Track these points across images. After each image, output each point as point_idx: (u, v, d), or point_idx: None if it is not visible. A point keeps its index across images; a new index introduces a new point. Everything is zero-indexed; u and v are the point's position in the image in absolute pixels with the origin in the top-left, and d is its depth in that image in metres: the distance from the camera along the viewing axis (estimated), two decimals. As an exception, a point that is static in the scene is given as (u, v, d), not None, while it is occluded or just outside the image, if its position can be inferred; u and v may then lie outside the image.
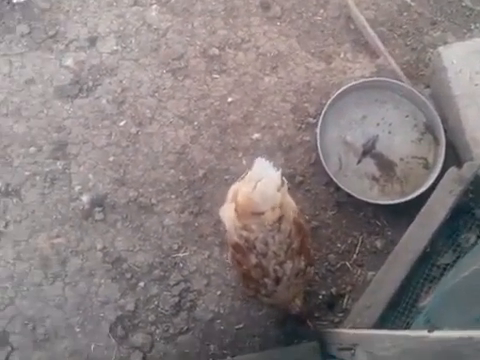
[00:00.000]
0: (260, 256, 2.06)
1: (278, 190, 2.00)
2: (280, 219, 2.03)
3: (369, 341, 1.74)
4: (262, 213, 1.99)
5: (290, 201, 2.21)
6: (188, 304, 2.69)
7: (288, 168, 2.93)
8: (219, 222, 2.62)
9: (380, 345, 1.55)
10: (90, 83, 3.16)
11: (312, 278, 2.47)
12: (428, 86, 3.12)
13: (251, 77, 3.20)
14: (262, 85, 3.17)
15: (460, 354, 1.09)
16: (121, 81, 3.17)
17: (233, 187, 2.20)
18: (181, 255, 2.77)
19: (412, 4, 3.46)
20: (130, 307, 2.68)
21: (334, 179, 2.82)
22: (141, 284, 2.72)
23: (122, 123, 3.06)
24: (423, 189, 2.74)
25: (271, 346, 2.59)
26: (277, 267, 2.09)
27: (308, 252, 2.24)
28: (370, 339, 1.75)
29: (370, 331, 2.21)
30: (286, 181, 2.07)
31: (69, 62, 3.23)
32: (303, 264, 2.17)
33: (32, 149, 2.99)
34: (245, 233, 2.06)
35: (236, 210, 2.06)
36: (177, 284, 2.71)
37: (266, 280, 2.12)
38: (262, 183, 1.96)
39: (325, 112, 2.94)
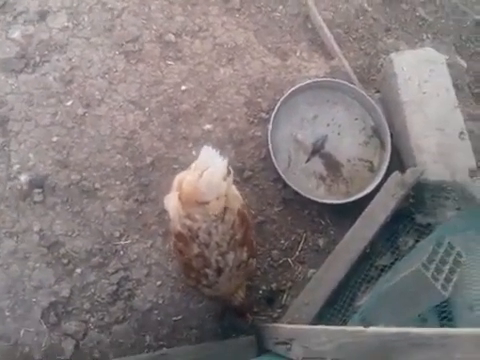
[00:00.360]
0: (203, 246, 2.04)
1: (224, 179, 1.97)
2: (224, 209, 2.01)
3: (306, 336, 1.75)
4: (207, 202, 1.96)
5: (235, 192, 2.20)
6: (126, 293, 2.63)
7: (238, 162, 2.92)
8: (164, 212, 2.57)
9: (316, 340, 1.57)
10: (37, 58, 3.02)
11: (254, 270, 2.47)
12: (378, 91, 3.20)
13: (206, 67, 3.16)
14: (217, 76, 3.14)
15: (395, 348, 1.12)
16: (70, 59, 3.04)
17: (179, 176, 2.16)
18: (122, 243, 2.70)
19: (369, 9, 3.54)
20: (65, 293, 2.59)
21: (282, 176, 2.83)
22: (78, 270, 2.63)
23: (69, 103, 2.95)
24: (367, 191, 2.80)
25: (208, 339, 2.58)
26: (219, 258, 2.07)
27: (251, 244, 2.24)
28: (307, 334, 1.77)
29: (307, 326, 2.23)
30: (232, 170, 2.04)
31: (16, 35, 3.07)
32: (245, 256, 2.16)
33: (-31, 122, 2.83)
34: (188, 222, 2.03)
35: (180, 199, 2.03)
36: (116, 272, 2.64)
37: (207, 270, 2.09)
38: (208, 172, 1.93)
39: (278, 108, 2.95)
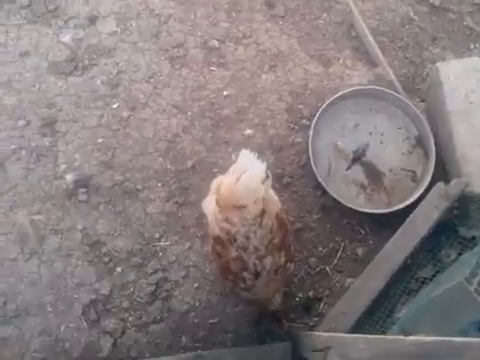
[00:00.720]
0: (240, 250, 2.05)
1: (262, 183, 1.97)
2: (262, 213, 2.01)
3: (343, 344, 1.74)
4: (244, 206, 1.97)
5: (273, 196, 2.20)
6: (164, 294, 2.66)
7: (277, 168, 2.93)
8: (202, 215, 2.57)
9: (354, 347, 1.55)
10: (86, 62, 3.12)
11: (292, 275, 2.46)
12: (423, 100, 3.15)
13: (249, 73, 3.19)
14: (259, 82, 3.16)
15: (435, 356, 1.10)
16: (118, 63, 3.13)
17: (217, 179, 2.18)
18: (162, 244, 2.75)
19: (415, 18, 3.49)
20: (105, 291, 2.64)
21: (322, 183, 2.81)
22: (118, 269, 2.69)
23: (115, 106, 3.02)
24: (409, 201, 2.75)
25: (243, 343, 2.58)
26: (257, 261, 2.07)
27: (289, 248, 2.24)
28: (344, 342, 1.76)
29: (345, 334, 2.21)
30: (270, 174, 2.03)
31: (66, 39, 3.18)
32: (283, 260, 2.16)
33: (21, 122, 2.93)
34: (226, 226, 2.04)
35: (218, 202, 2.04)
36: (155, 273, 2.68)
37: (245, 274, 2.10)
38: (246, 175, 1.93)
39: (319, 115, 2.94)
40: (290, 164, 2.96)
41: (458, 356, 1.03)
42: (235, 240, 2.05)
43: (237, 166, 2.02)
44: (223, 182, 2.04)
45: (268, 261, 2.09)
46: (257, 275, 2.11)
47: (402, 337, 1.29)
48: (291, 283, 2.67)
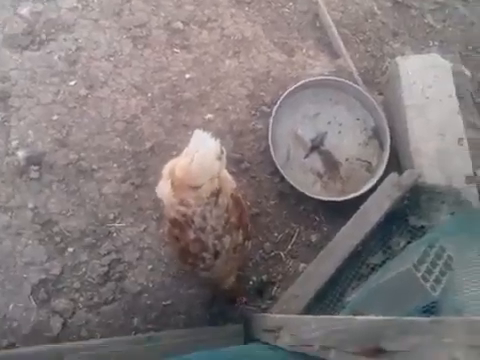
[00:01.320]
0: (198, 231, 2.04)
1: (217, 159, 1.95)
2: (218, 193, 2.00)
3: (295, 324, 1.76)
4: (200, 186, 1.96)
5: (228, 175, 2.21)
6: (117, 275, 2.62)
7: (236, 153, 2.93)
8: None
9: (305, 328, 1.57)
10: (43, 36, 3.02)
11: (250, 253, 2.47)
12: (381, 93, 3.21)
13: (212, 57, 3.17)
14: (222, 67, 3.15)
15: (384, 335, 1.13)
16: (77, 39, 3.04)
17: (169, 164, 2.16)
18: (116, 225, 2.70)
19: (378, 13, 3.55)
20: (55, 271, 2.58)
21: (280, 170, 2.84)
22: (70, 249, 2.63)
23: (72, 83, 2.94)
24: (363, 190, 2.81)
25: (196, 325, 2.58)
26: (216, 241, 2.08)
27: (246, 226, 2.25)
28: (296, 322, 1.78)
29: (296, 315, 2.24)
30: (224, 151, 2.01)
31: (24, 11, 3.07)
32: (241, 238, 2.18)
33: (-29, 95, 2.82)
34: (182, 208, 2.03)
35: (173, 184, 2.03)
36: (108, 254, 2.64)
37: (205, 254, 2.10)
38: (200, 154, 1.92)
39: (280, 103, 2.96)
40: (249, 150, 2.96)
41: (405, 333, 1.06)
42: (192, 222, 2.04)
43: (190, 146, 2.00)
44: (177, 164, 2.02)
45: (227, 240, 2.10)
46: (216, 254, 2.12)
47: (352, 316, 1.32)
48: (246, 264, 2.68)
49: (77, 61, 2.99)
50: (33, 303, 2.53)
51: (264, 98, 3.09)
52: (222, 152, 1.98)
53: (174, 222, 2.11)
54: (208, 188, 1.96)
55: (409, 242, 2.59)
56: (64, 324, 2.52)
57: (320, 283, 2.50)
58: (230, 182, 2.19)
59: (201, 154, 1.92)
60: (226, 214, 2.06)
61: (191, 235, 2.07)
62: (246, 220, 2.27)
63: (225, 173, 2.16)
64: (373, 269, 2.59)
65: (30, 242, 2.62)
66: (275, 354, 1.89)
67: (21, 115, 2.83)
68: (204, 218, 2.02)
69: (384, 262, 2.58)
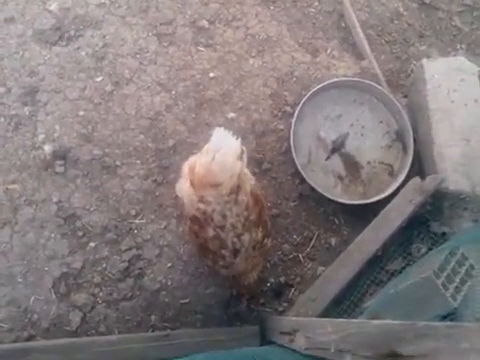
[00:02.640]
0: (218, 229, 2.05)
1: (238, 158, 1.95)
2: (237, 190, 2.00)
3: (311, 327, 1.77)
4: (220, 184, 1.96)
5: (247, 173, 2.20)
6: (136, 272, 2.66)
7: (258, 153, 2.93)
8: (180, 195, 2.59)
9: (321, 331, 1.58)
10: (72, 32, 3.06)
11: (270, 250, 2.46)
12: (406, 96, 3.18)
13: (236, 56, 3.17)
14: (246, 66, 3.15)
15: (400, 339, 1.13)
16: (104, 36, 3.08)
17: (188, 162, 2.16)
18: (137, 222, 2.74)
19: (404, 14, 3.51)
20: (77, 265, 2.63)
21: (301, 171, 2.83)
22: (92, 244, 2.67)
23: (98, 79, 2.98)
24: (385, 194, 2.79)
25: (213, 325, 2.60)
26: (235, 239, 2.08)
27: (265, 224, 2.25)
28: (312, 325, 1.79)
29: (312, 318, 2.25)
30: (245, 149, 2.02)
31: (53, 7, 3.11)
32: (260, 236, 2.18)
33: (1, 89, 2.88)
34: (202, 206, 2.03)
35: (192, 182, 2.03)
36: (129, 250, 2.67)
37: (224, 252, 2.11)
38: (221, 153, 1.91)
39: (303, 104, 2.95)
40: (271, 150, 2.97)
41: (421, 337, 1.06)
42: (212, 219, 2.05)
43: (211, 144, 1.98)
44: (197, 162, 2.03)
45: (246, 238, 2.10)
46: (236, 253, 2.13)
47: (368, 320, 1.32)
48: (266, 263, 2.69)
49: (104, 57, 3.03)
50: (54, 296, 2.58)
51: (287, 98, 3.09)
52: (243, 151, 1.99)
53: (194, 219, 2.12)
54: (228, 185, 1.96)
55: (430, 249, 2.57)
56: (83, 319, 2.56)
57: (338, 287, 2.49)
58: (249, 179, 2.19)
59: (222, 153, 1.91)
60: (246, 212, 2.06)
61: (210, 232, 2.08)
62: (265, 217, 2.27)
63: (245, 170, 2.16)
64: (392, 275, 2.57)
65: (53, 235, 2.67)
66: (290, 357, 1.90)
67: (48, 110, 2.88)
68: (224, 216, 2.03)
69: (404, 268, 2.56)
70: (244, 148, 2.01)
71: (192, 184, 2.04)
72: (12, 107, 2.86)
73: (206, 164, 1.95)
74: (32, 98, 2.89)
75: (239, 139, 1.97)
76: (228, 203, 2.02)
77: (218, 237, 2.08)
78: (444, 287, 2.03)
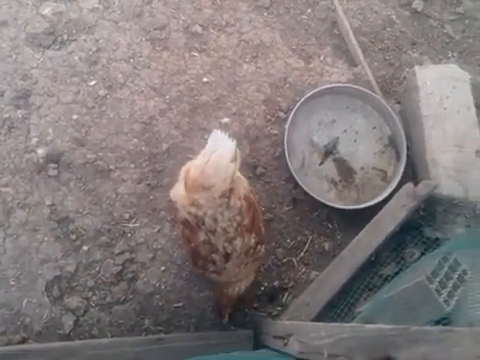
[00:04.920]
0: (209, 233, 2.06)
1: (232, 161, 1.97)
2: (230, 194, 2.01)
3: (304, 331, 1.77)
4: (212, 186, 1.97)
5: (241, 177, 2.21)
6: (130, 275, 2.64)
7: (251, 158, 2.94)
8: (174, 199, 2.59)
9: (315, 335, 1.58)
10: (65, 36, 3.06)
11: (263, 257, 2.45)
12: (398, 102, 3.21)
13: (230, 62, 3.18)
14: (240, 71, 3.16)
15: (393, 343, 1.14)
16: (97, 40, 3.07)
17: (186, 166, 2.17)
18: (131, 225, 2.73)
19: (397, 21, 3.54)
20: (70, 269, 2.61)
21: (295, 176, 2.84)
22: (85, 248, 2.65)
23: (92, 83, 2.97)
24: (378, 200, 2.81)
25: (206, 329, 2.60)
26: (226, 244, 2.08)
27: (259, 230, 2.24)
28: (305, 329, 1.79)
29: (306, 322, 2.25)
30: (239, 152, 2.04)
31: (47, 11, 3.10)
32: (253, 242, 2.17)
33: (-7, 92, 2.87)
34: (194, 209, 2.04)
35: (186, 185, 2.04)
36: (122, 253, 2.66)
37: (214, 256, 2.11)
38: (216, 154, 1.94)
39: (297, 109, 2.96)
40: (265, 155, 2.97)
41: (414, 342, 1.07)
42: (203, 223, 2.05)
43: (208, 146, 2.02)
44: (193, 164, 2.04)
45: (238, 243, 2.10)
46: (227, 257, 2.12)
47: (362, 325, 1.33)
48: (260, 269, 2.68)
49: (97, 62, 3.02)
50: (46, 299, 2.56)
51: (281, 104, 3.10)
52: (237, 153, 2.00)
53: (185, 223, 2.13)
54: (220, 188, 1.97)
55: (423, 254, 2.59)
56: (76, 322, 2.54)
57: (331, 292, 2.50)
58: (243, 182, 2.19)
59: (217, 154, 1.95)
60: (238, 216, 2.07)
61: (201, 237, 2.09)
62: (259, 223, 2.26)
63: (239, 174, 2.16)
64: (386, 280, 2.59)
65: (46, 239, 2.65)
66: (284, 361, 1.90)
67: (41, 113, 2.87)
68: (215, 220, 2.03)
69: (397, 273, 2.57)
70: (238, 150, 2.03)
71: (185, 186, 2.05)
72: (5, 110, 2.84)
73: (201, 165, 1.97)
74: (25, 101, 2.88)
75: (234, 141, 1.99)
76: (220, 207, 2.02)
77: (209, 242, 2.09)
78: (437, 292, 2.05)
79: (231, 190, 2.03)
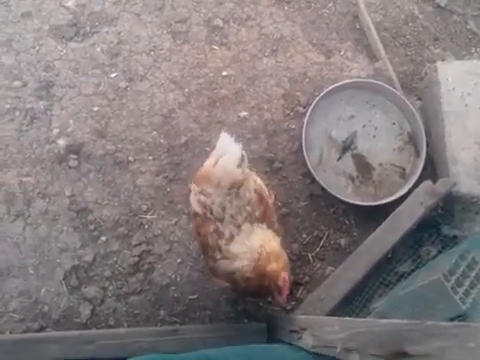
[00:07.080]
0: (218, 222, 2.06)
1: (238, 166, 2.00)
2: (239, 186, 2.04)
3: (319, 325, 1.77)
4: (219, 183, 2.03)
5: (251, 173, 2.21)
6: (146, 266, 2.68)
7: (269, 152, 2.95)
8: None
9: (329, 329, 1.59)
10: (87, 28, 3.10)
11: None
12: (419, 99, 3.16)
13: (249, 55, 3.18)
14: (259, 65, 3.16)
15: (408, 338, 1.13)
16: (119, 33, 3.11)
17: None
18: (148, 217, 2.76)
19: (419, 16, 3.49)
20: (88, 259, 2.66)
21: (312, 171, 2.83)
22: (103, 238, 2.70)
23: (113, 75, 3.01)
24: (396, 196, 2.78)
25: (221, 321, 2.62)
26: (233, 228, 2.07)
27: (272, 224, 2.21)
28: (320, 323, 1.79)
29: (320, 317, 2.25)
30: (245, 155, 2.04)
31: (70, 3, 3.15)
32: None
33: (17, 83, 2.92)
34: (202, 198, 2.07)
35: (194, 180, 2.13)
36: (139, 244, 2.70)
37: (220, 242, 2.07)
38: (223, 159, 1.99)
39: (315, 104, 2.95)
40: (282, 149, 2.97)
41: (428, 337, 1.07)
42: (211, 212, 2.06)
43: (216, 149, 2.08)
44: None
45: (246, 227, 2.07)
46: (232, 238, 2.07)
47: (376, 319, 1.33)
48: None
49: (118, 54, 3.06)
50: (64, 289, 2.61)
51: (300, 98, 3.10)
52: (243, 158, 2.02)
53: (195, 215, 2.15)
54: (227, 183, 2.02)
55: (440, 252, 2.56)
56: (93, 311, 2.59)
57: (346, 288, 2.49)
58: (254, 178, 2.20)
59: (224, 159, 2.00)
60: (248, 207, 2.07)
61: (211, 228, 2.08)
62: (272, 218, 2.25)
63: (248, 172, 2.15)
64: (402, 277, 2.57)
65: (65, 229, 2.71)
66: (297, 355, 1.91)
67: (63, 104, 2.92)
68: (223, 208, 2.04)
69: (413, 271, 2.55)
70: (244, 153, 2.04)
71: (194, 181, 2.12)
72: (27, 101, 2.90)
73: (209, 167, 2.04)
74: (47, 92, 2.93)
75: (241, 146, 2.02)
76: (228, 195, 2.04)
77: (217, 231, 2.08)
78: (453, 290, 2.03)
79: (241, 182, 2.05)
